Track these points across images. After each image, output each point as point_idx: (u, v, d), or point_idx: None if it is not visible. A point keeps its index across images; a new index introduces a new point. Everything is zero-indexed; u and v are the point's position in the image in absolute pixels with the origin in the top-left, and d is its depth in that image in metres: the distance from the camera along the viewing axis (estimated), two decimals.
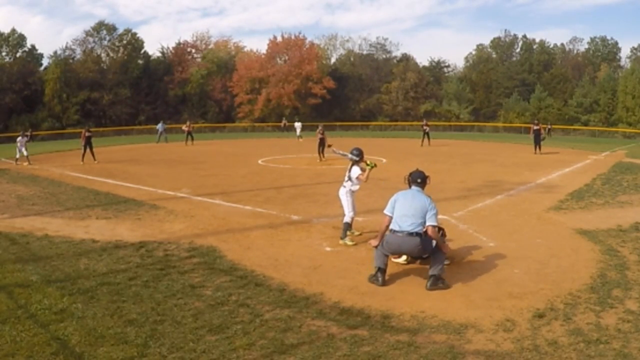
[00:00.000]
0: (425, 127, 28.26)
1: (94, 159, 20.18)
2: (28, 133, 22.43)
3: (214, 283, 5.66)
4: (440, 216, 8.43)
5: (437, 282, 5.53)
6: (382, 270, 5.69)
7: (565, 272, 6.01)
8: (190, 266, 6.28)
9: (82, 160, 19.95)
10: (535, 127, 23.04)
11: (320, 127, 20.94)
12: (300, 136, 35.04)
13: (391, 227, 5.71)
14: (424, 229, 5.56)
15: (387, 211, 5.78)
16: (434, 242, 5.65)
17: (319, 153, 20.28)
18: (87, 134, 20.51)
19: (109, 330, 4.38)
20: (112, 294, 5.27)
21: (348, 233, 7.50)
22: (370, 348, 4.08)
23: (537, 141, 22.81)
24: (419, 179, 5.87)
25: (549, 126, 40.53)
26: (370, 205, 9.97)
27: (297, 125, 36.26)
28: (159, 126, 35.93)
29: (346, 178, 7.61)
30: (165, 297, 5.20)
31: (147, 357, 3.93)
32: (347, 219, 7.48)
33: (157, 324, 4.52)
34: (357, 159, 7.57)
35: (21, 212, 10.07)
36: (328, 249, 7.20)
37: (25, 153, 20.15)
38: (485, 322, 4.59)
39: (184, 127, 31.90)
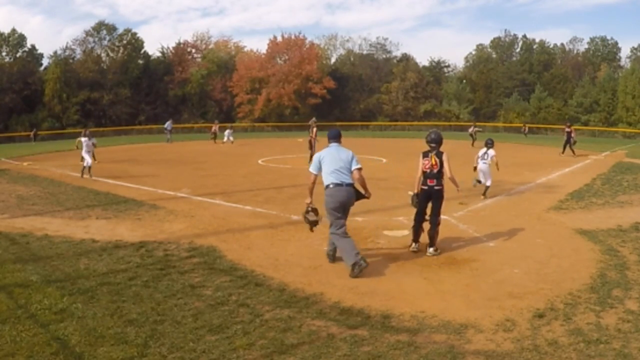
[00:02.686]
0: (473, 129, 30.46)
1: (95, 159, 20.17)
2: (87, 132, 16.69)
3: (214, 283, 5.66)
4: (440, 216, 8.49)
5: (356, 267, 5.84)
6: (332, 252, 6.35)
7: (565, 272, 6.01)
8: (190, 266, 6.28)
9: (82, 161, 19.97)
10: (568, 130, 22.92)
11: (312, 127, 18.67)
12: (225, 141, 31.06)
13: (331, 182, 6.09)
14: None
15: (314, 169, 6.25)
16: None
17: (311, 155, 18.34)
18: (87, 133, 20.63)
19: (109, 330, 4.38)
20: (112, 294, 5.27)
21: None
22: (370, 348, 4.08)
23: (567, 143, 22.54)
24: (335, 136, 6.42)
25: (525, 127, 39.41)
26: (369, 205, 9.94)
27: (227, 132, 31.89)
28: (168, 125, 34.43)
29: (487, 157, 11.53)
30: (165, 297, 5.20)
31: (147, 357, 3.93)
32: (488, 183, 11.35)
33: (157, 324, 4.52)
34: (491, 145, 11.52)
35: (21, 212, 10.06)
36: None
37: (88, 162, 15.33)
38: (485, 322, 4.58)
39: (213, 128, 33.38)
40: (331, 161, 6.14)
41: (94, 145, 15.40)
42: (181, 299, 5.17)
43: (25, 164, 19.76)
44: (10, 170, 17.90)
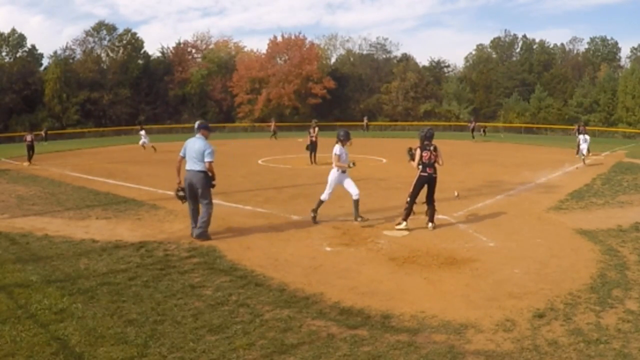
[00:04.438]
0: (471, 124, 32.28)
1: (29, 162, 19.72)
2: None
3: (214, 283, 5.67)
4: (440, 216, 8.54)
5: (204, 235, 7.55)
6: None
7: (565, 272, 6.02)
8: (190, 266, 6.29)
9: (30, 161, 19.71)
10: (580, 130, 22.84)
11: (312, 128, 19.03)
12: (143, 143, 26.73)
13: (186, 167, 7.64)
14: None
15: (181, 154, 7.78)
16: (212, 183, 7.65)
17: (310, 157, 18.62)
18: (29, 137, 20.67)
19: (109, 330, 4.38)
20: (112, 294, 5.27)
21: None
22: (370, 348, 4.08)
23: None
24: (200, 129, 7.79)
25: (473, 124, 36.70)
26: (369, 205, 9.97)
27: (142, 132, 27.70)
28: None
29: (587, 140, 17.42)
30: (165, 297, 5.20)
31: (147, 357, 3.93)
32: (585, 152, 17.85)
33: (157, 324, 4.52)
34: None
35: (21, 212, 10.07)
36: (328, 249, 7.20)
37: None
38: (485, 322, 4.59)
39: (272, 126, 36.54)
40: (189, 150, 7.62)
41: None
42: (181, 299, 5.17)
43: (25, 164, 19.74)
44: (10, 170, 17.90)
